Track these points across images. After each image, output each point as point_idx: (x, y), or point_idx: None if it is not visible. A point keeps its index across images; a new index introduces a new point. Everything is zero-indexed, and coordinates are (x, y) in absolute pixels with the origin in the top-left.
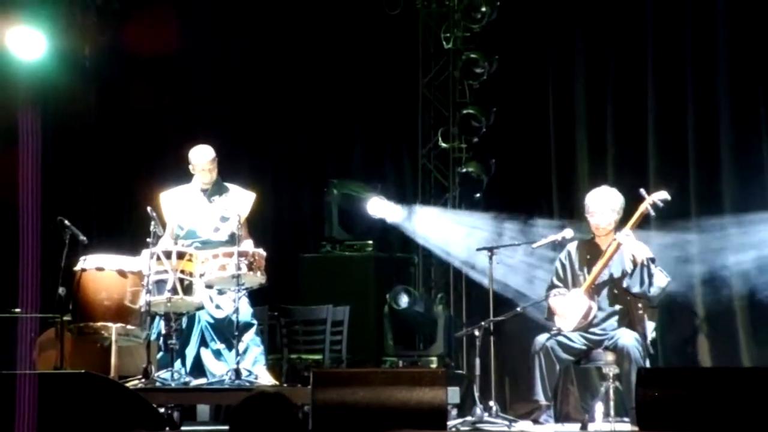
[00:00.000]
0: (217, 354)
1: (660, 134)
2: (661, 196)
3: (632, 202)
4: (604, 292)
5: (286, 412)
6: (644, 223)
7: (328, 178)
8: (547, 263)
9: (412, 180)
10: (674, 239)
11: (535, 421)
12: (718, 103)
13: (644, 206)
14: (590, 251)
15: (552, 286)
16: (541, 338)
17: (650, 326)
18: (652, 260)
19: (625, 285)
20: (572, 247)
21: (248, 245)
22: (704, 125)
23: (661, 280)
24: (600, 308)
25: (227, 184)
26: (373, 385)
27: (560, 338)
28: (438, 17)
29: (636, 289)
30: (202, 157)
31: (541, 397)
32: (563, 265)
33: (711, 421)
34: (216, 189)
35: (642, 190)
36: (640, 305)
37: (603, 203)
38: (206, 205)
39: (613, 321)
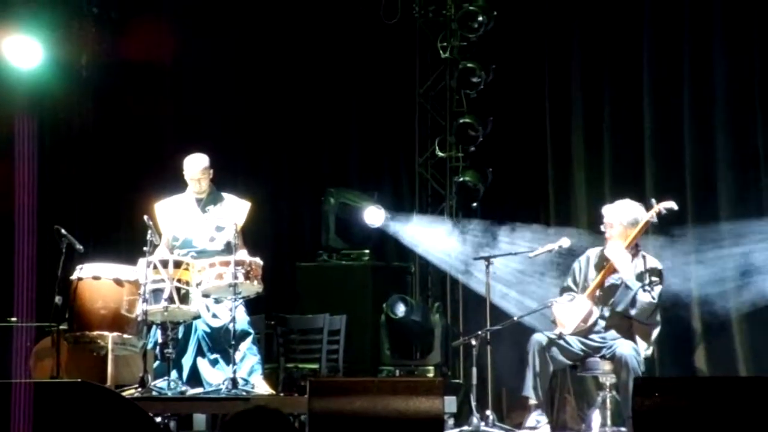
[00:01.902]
0: (214, 363)
1: (657, 142)
2: (668, 205)
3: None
4: (608, 299)
5: (280, 426)
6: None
7: (324, 187)
8: (539, 273)
9: (409, 189)
10: (671, 248)
11: (524, 425)
12: (715, 113)
13: (650, 214)
14: (603, 259)
15: (565, 289)
16: (538, 337)
17: (642, 345)
18: (647, 275)
19: (610, 303)
20: (591, 253)
21: (242, 255)
22: (701, 133)
23: (642, 300)
24: (602, 317)
25: (222, 194)
26: (370, 394)
27: (558, 341)
28: (435, 27)
29: (619, 308)
30: (193, 166)
31: (530, 392)
32: (580, 269)
33: (708, 431)
34: (211, 198)
35: (653, 200)
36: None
37: (613, 216)
38: (201, 214)
39: (614, 331)
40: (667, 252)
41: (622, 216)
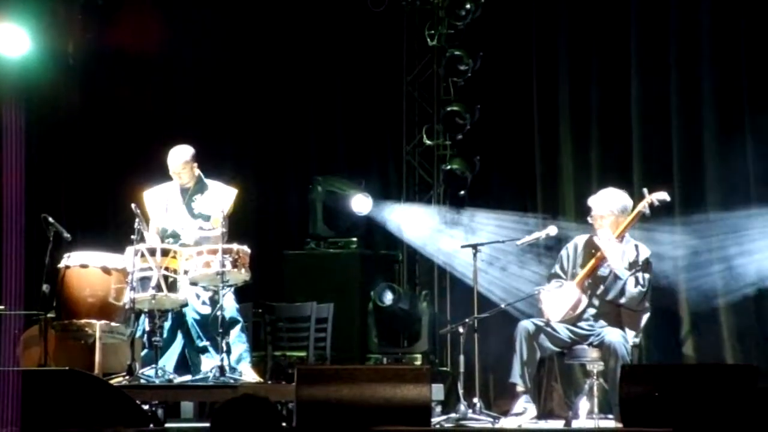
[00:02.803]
0: (203, 351)
1: (644, 131)
2: (660, 196)
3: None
4: (600, 289)
5: (268, 414)
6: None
7: (312, 175)
8: (530, 260)
9: (397, 177)
10: (658, 237)
11: (511, 411)
12: (702, 98)
13: (642, 204)
14: (593, 247)
15: (553, 276)
16: (525, 323)
17: (630, 333)
18: (638, 262)
19: (598, 292)
20: (580, 240)
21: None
22: (689, 120)
23: (630, 288)
24: (592, 305)
25: (208, 181)
26: (358, 382)
27: (546, 328)
28: (422, 14)
29: (609, 297)
30: (174, 161)
31: (518, 379)
32: (568, 256)
33: (694, 418)
34: (197, 188)
35: (645, 190)
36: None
37: (601, 205)
38: (188, 204)
39: (603, 320)
40: (655, 240)
41: (612, 204)
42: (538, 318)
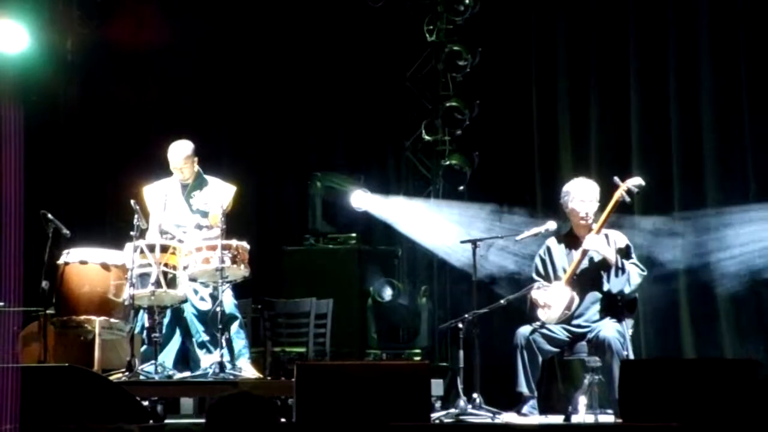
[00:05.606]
0: (202, 347)
1: (643, 126)
2: (636, 182)
3: (610, 190)
4: (585, 281)
5: (262, 412)
6: (625, 212)
7: (311, 171)
8: (530, 255)
9: (396, 173)
10: (657, 231)
11: (519, 413)
12: (701, 95)
13: (619, 193)
14: (569, 243)
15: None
16: (523, 330)
17: (629, 322)
18: (628, 250)
19: (605, 289)
20: (551, 242)
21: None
22: (687, 117)
23: (635, 277)
24: (582, 298)
25: (208, 177)
26: (357, 377)
27: (543, 330)
28: (421, 10)
29: (615, 290)
30: (175, 155)
31: (524, 388)
32: (543, 261)
33: (693, 413)
34: (196, 184)
35: (616, 178)
36: (619, 301)
37: (591, 191)
38: (187, 200)
39: (595, 311)
40: (654, 234)
41: (596, 191)
42: (534, 322)
